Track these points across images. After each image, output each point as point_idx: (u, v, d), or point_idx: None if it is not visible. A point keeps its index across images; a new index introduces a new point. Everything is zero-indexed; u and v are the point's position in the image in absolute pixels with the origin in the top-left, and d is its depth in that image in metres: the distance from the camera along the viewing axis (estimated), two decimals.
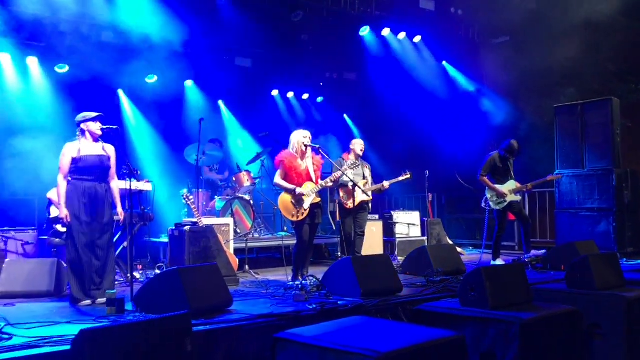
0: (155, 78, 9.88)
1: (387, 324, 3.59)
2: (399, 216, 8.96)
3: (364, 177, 7.00)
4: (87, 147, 5.01)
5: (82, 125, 5.05)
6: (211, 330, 3.75)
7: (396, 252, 8.53)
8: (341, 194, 7.06)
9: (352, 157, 6.94)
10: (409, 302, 4.78)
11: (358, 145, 7.05)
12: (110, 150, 5.17)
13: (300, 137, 5.93)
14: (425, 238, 8.86)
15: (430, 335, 3.21)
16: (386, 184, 7.25)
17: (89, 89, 8.72)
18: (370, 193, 7.17)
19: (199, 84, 10.48)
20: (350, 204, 7.00)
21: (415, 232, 9.05)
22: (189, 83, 10.45)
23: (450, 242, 8.72)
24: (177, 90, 10.23)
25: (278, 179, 5.89)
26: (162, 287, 4.30)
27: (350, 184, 6.85)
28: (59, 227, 6.62)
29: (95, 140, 5.06)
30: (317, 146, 5.87)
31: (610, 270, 4.87)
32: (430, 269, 6.19)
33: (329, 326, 3.39)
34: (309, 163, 5.99)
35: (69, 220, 4.87)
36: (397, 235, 8.79)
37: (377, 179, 7.50)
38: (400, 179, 7.45)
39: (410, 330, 3.38)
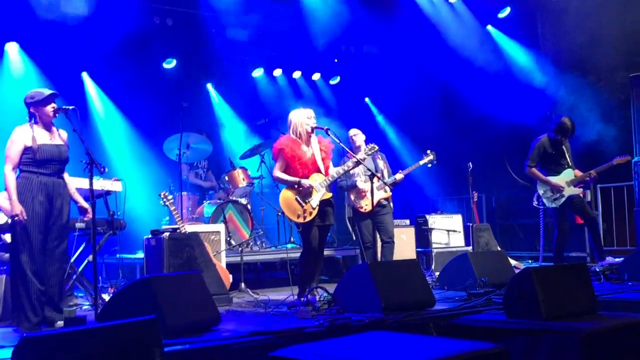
0: (127, 57, 10.05)
1: (412, 338, 3.62)
2: (436, 221, 8.97)
3: (377, 170, 7.06)
4: (43, 134, 5.12)
5: (32, 109, 5.15)
6: (190, 350, 3.81)
7: (432, 266, 8.54)
8: (352, 197, 7.13)
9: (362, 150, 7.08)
10: (444, 317, 4.80)
11: (359, 135, 7.18)
12: (65, 137, 5.29)
13: (302, 118, 5.98)
14: (469, 248, 8.84)
15: (464, 347, 3.23)
16: (398, 175, 7.31)
17: (46, 71, 8.91)
18: (388, 188, 7.27)
19: (182, 63, 10.63)
20: (365, 206, 7.06)
21: (457, 240, 9.05)
22: (169, 62, 10.59)
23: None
24: (155, 71, 10.38)
25: (277, 171, 5.95)
26: (131, 301, 4.38)
27: (361, 175, 6.94)
28: (8, 238, 6.73)
29: (49, 125, 5.17)
30: (325, 127, 5.92)
31: None
32: (472, 279, 6.19)
33: (337, 342, 3.44)
34: (315, 149, 6.04)
35: (24, 217, 4.96)
36: (434, 245, 8.80)
37: (397, 167, 7.64)
38: (421, 163, 7.51)
39: (440, 344, 3.41)
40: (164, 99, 10.17)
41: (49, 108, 5.09)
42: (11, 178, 5.02)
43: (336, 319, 4.65)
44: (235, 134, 11.14)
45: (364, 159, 6.21)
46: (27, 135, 5.07)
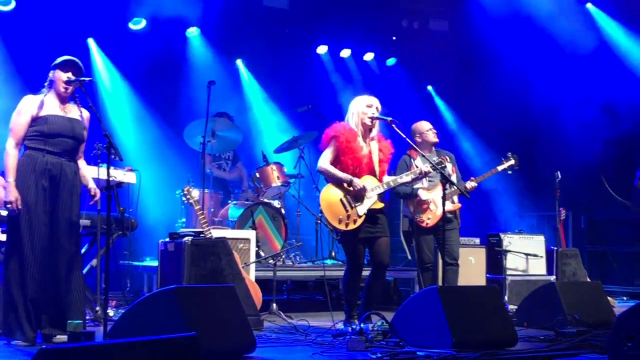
0: (143, 23, 10.18)
1: None
2: (513, 241, 8.90)
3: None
4: (54, 105, 5.22)
5: (51, 74, 5.26)
6: None
7: (506, 297, 8.49)
8: (410, 207, 7.14)
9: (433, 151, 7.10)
10: (529, 358, 4.79)
11: (424, 126, 7.20)
12: (86, 117, 5.39)
13: (361, 106, 6.03)
14: (553, 278, 8.79)
15: None
16: (470, 184, 7.28)
17: (45, 36, 9.06)
18: (456, 198, 7.26)
19: (207, 34, 10.73)
20: (427, 221, 7.06)
21: (538, 267, 8.98)
22: (192, 31, 10.69)
23: None
24: (175, 41, 10.51)
25: (325, 162, 5.98)
26: (150, 316, 4.46)
27: (424, 181, 6.93)
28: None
29: (63, 98, 5.26)
30: (389, 119, 5.94)
31: None
32: (560, 315, 6.16)
33: None
34: (373, 148, 6.08)
35: (18, 206, 5.06)
36: (509, 272, 8.75)
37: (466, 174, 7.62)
38: (499, 169, 7.49)
39: None
40: (184, 75, 10.28)
41: (64, 75, 5.18)
42: (12, 156, 5.11)
43: (397, 353, 4.67)
44: (269, 122, 11.22)
45: (428, 172, 6.21)
46: (34, 103, 5.16)
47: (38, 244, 5.10)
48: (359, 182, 5.88)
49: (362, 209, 5.91)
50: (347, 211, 5.88)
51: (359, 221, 5.89)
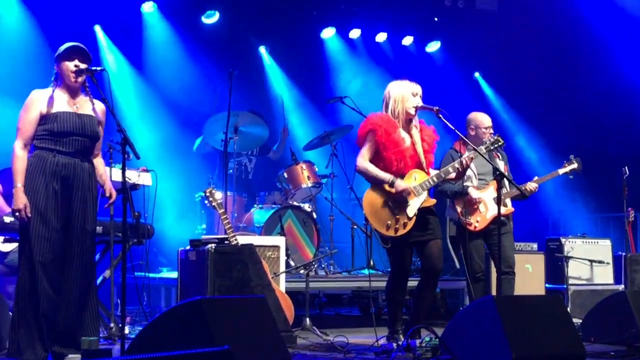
0: (155, 6, 10.25)
1: None
2: (576, 247, 8.85)
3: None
4: (63, 100, 5.25)
5: (56, 67, 5.26)
6: None
7: (568, 309, 8.44)
8: (458, 208, 7.09)
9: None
10: None
11: (483, 121, 7.12)
12: (100, 110, 5.40)
13: (406, 93, 6.00)
14: (621, 287, 8.73)
15: None
16: (532, 185, 7.19)
17: (48, 24, 9.16)
18: (509, 201, 7.19)
19: (227, 18, 10.77)
20: (475, 223, 7.01)
21: (604, 275, 8.93)
22: (210, 16, 10.74)
23: None
24: (191, 27, 10.59)
25: (364, 160, 5.94)
26: (173, 331, 4.48)
27: (473, 178, 6.90)
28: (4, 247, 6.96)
29: (73, 90, 5.29)
30: (435, 108, 5.90)
31: None
32: (632, 328, 6.11)
33: None
34: (416, 137, 6.04)
35: (27, 214, 5.08)
36: (572, 281, 8.70)
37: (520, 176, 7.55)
38: (560, 172, 7.43)
39: None
40: (203, 65, 10.31)
41: (71, 65, 5.20)
42: (20, 158, 5.11)
43: None
44: (297, 115, 11.23)
45: (471, 159, 6.13)
46: (43, 99, 5.17)
47: (50, 253, 5.12)
48: (401, 184, 5.81)
49: (411, 209, 5.83)
50: (395, 215, 5.83)
51: (410, 224, 5.82)
